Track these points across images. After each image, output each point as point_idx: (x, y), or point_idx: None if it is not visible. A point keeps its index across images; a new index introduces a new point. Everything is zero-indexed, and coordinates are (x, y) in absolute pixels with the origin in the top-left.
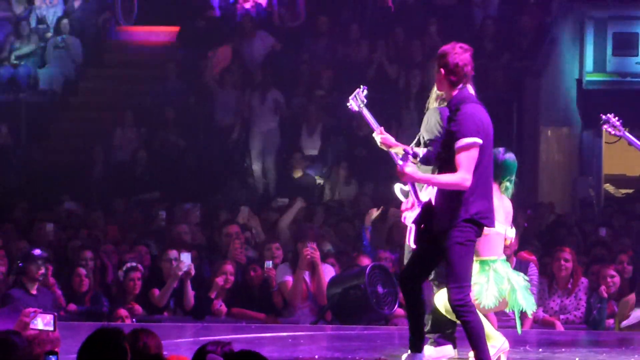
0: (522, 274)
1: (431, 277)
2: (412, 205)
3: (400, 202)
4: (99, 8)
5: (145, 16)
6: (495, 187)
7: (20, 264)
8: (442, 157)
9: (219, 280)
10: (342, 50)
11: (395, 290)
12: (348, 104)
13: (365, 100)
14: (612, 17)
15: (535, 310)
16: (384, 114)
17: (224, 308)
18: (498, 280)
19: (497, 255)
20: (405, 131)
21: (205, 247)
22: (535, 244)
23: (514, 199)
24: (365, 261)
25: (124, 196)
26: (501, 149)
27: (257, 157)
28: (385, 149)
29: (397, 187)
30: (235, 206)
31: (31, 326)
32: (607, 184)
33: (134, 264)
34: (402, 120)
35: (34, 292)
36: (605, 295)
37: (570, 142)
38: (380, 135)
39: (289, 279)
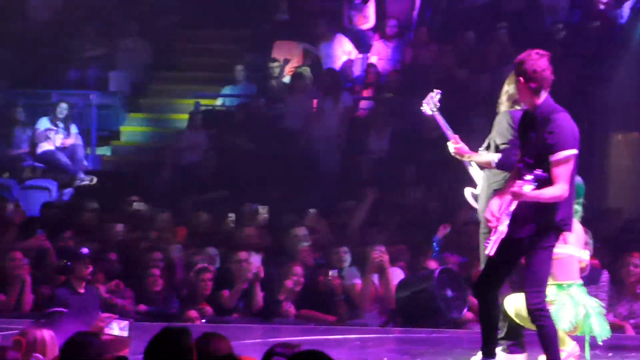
0: (595, 299)
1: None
2: (499, 219)
3: (470, 206)
4: (168, 10)
5: (214, 19)
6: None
7: (68, 263)
8: (532, 167)
9: (289, 282)
10: (411, 53)
11: (463, 294)
12: (421, 108)
13: (438, 105)
14: None
15: (609, 337)
16: (453, 119)
17: (292, 310)
18: (574, 305)
19: (572, 279)
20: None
21: (272, 250)
22: (604, 250)
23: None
24: (434, 265)
25: (192, 197)
26: None
27: (324, 160)
28: (459, 157)
29: (468, 192)
30: (303, 209)
31: (106, 331)
32: None
33: (205, 265)
34: (471, 125)
35: (81, 290)
36: None
37: None
38: (454, 145)
39: (358, 282)
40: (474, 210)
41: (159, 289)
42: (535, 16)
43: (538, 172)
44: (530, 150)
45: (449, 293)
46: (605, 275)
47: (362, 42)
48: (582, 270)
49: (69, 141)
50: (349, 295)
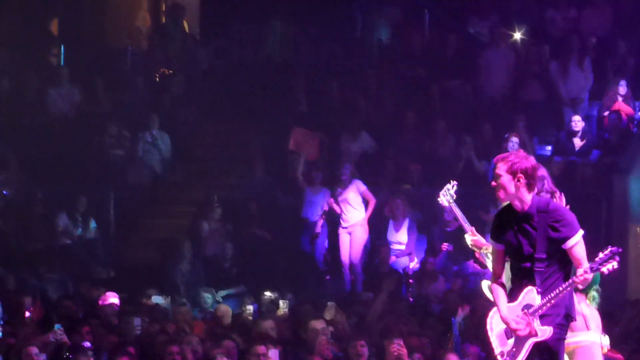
0: None
1: None
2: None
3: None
4: (188, 102)
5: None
6: (582, 297)
7: (70, 356)
8: (546, 261)
9: None
10: (429, 144)
11: None
12: (438, 199)
13: (454, 196)
14: None
15: None
16: (472, 209)
17: None
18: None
19: None
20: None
21: (291, 343)
22: (625, 343)
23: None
24: (453, 358)
25: (212, 289)
26: None
27: (343, 252)
28: (476, 250)
29: (485, 285)
30: (322, 301)
31: None
32: None
33: (224, 358)
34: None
35: None
36: None
37: None
38: (472, 237)
39: None
40: (491, 303)
41: None
42: (553, 107)
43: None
44: (539, 247)
45: None
46: None
47: (379, 133)
48: (603, 355)
49: (88, 235)
50: None
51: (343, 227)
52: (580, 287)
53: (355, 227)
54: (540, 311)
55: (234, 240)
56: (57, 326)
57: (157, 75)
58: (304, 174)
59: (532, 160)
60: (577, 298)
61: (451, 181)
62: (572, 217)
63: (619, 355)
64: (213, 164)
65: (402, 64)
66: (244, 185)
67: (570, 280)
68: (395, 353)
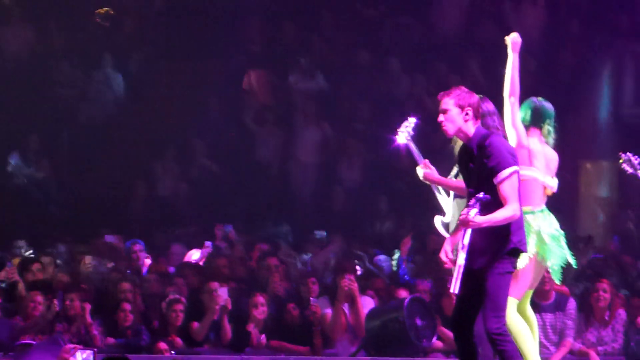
0: (554, 226)
1: None
2: (455, 249)
3: (440, 235)
4: (141, 42)
5: (187, 52)
6: (537, 132)
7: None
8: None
9: (255, 312)
10: (382, 84)
11: (433, 323)
12: (396, 136)
13: (412, 133)
14: None
15: (565, 263)
16: (424, 148)
17: (263, 340)
18: (528, 232)
19: (532, 205)
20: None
21: (244, 280)
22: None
23: None
24: (404, 294)
25: (165, 229)
26: (535, 98)
27: (297, 191)
28: (428, 182)
29: (438, 220)
30: (275, 239)
31: None
32: None
33: (176, 296)
34: (443, 153)
35: None
36: None
37: (610, 175)
38: (423, 169)
39: (328, 311)
40: (444, 238)
41: (129, 324)
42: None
43: (480, 195)
44: (472, 181)
45: (419, 322)
46: (572, 303)
47: (332, 73)
48: (546, 196)
49: (40, 174)
50: (321, 324)
51: (299, 166)
52: (463, 227)
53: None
54: (463, 244)
55: (187, 180)
56: (8, 264)
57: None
58: (257, 115)
59: (475, 96)
60: (531, 132)
61: (409, 118)
62: (505, 153)
63: (565, 288)
64: (166, 104)
65: (357, 2)
66: (197, 126)
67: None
68: (346, 288)
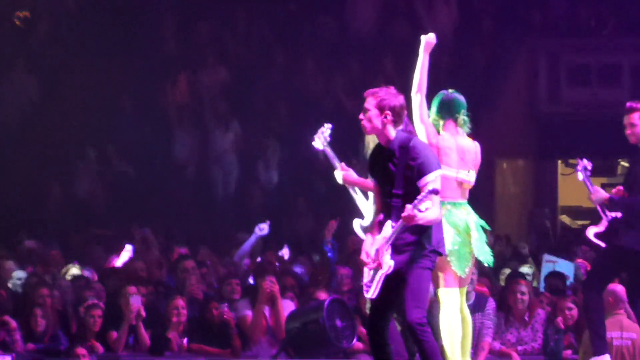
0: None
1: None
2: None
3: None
4: (57, 43)
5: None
6: (452, 124)
7: None
8: (403, 197)
9: (172, 316)
10: (298, 83)
11: (353, 324)
12: (312, 142)
13: (329, 139)
14: (565, 48)
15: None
16: (341, 147)
17: (183, 344)
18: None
19: (450, 198)
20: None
21: (162, 283)
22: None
23: None
24: (323, 296)
25: (82, 231)
26: (445, 91)
27: (215, 191)
28: (347, 185)
29: (357, 224)
30: (193, 240)
31: None
32: (563, 215)
33: (95, 301)
34: (359, 152)
35: None
36: (562, 326)
37: (526, 173)
38: (342, 172)
39: (249, 313)
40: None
41: (41, 329)
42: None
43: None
44: (397, 183)
45: (339, 323)
46: (491, 303)
47: (247, 72)
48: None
49: None
50: (240, 328)
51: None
52: (406, 223)
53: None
54: (388, 244)
55: (104, 181)
56: None
57: (17, 19)
58: (175, 114)
59: (401, 98)
60: (447, 125)
61: (325, 124)
62: (430, 156)
63: (484, 289)
64: (81, 105)
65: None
66: (113, 125)
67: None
68: (268, 290)
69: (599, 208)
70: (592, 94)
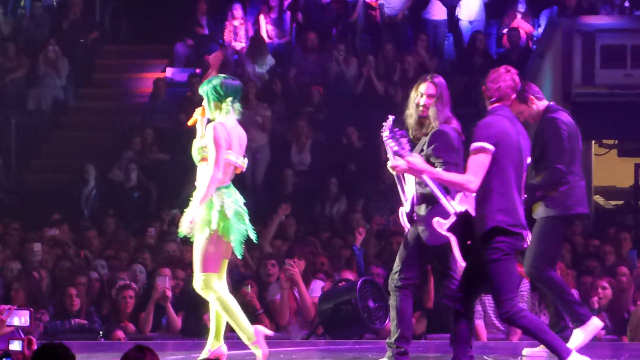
0: (239, 203)
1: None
2: (448, 215)
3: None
4: (87, 28)
5: (135, 35)
6: (232, 110)
7: None
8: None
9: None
10: (331, 66)
11: (386, 305)
12: (382, 133)
13: (392, 130)
14: (600, 29)
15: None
16: (374, 130)
17: None
18: (221, 213)
19: (227, 182)
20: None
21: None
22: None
23: None
24: (348, 275)
25: (116, 214)
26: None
27: (247, 174)
28: (411, 173)
29: (403, 212)
30: None
31: (7, 323)
32: (597, 196)
33: (127, 282)
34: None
35: None
36: (597, 306)
37: None
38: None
39: (278, 297)
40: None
41: (76, 308)
42: (454, 26)
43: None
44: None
45: (372, 304)
46: (525, 284)
47: (280, 56)
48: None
49: None
50: (271, 311)
51: (248, 148)
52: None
53: (261, 149)
54: (448, 205)
55: (138, 165)
56: None
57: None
58: None
59: (504, 75)
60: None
61: (389, 117)
62: (482, 129)
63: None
64: (114, 88)
65: None
66: (145, 109)
67: None
68: (288, 272)
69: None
70: (627, 75)
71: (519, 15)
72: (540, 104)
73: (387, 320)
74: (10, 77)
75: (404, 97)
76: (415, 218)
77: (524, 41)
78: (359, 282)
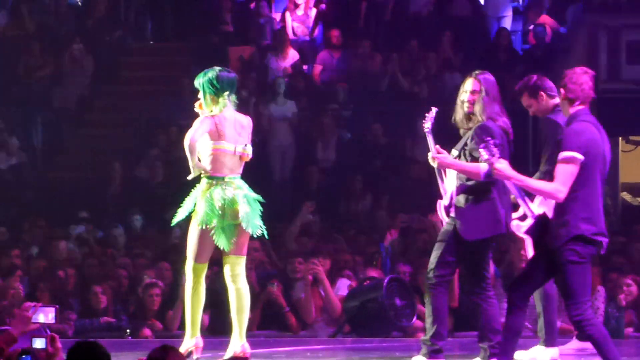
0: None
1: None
2: (524, 216)
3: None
4: (112, 26)
5: (159, 33)
6: (229, 103)
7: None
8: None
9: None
10: (356, 63)
11: (413, 302)
12: (424, 125)
13: (433, 123)
14: (626, 26)
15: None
16: (398, 125)
17: None
18: (208, 203)
19: (221, 173)
20: (421, 142)
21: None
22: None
23: None
24: (373, 273)
25: (142, 212)
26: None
27: (274, 170)
28: (442, 166)
29: (441, 205)
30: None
31: (33, 320)
32: (624, 193)
33: (153, 280)
34: (417, 130)
35: None
36: (624, 303)
37: None
38: (438, 155)
39: (304, 295)
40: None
41: (103, 306)
42: (479, 22)
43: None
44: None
45: (398, 302)
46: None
47: (306, 53)
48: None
49: (13, 158)
50: (296, 307)
51: (275, 145)
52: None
53: (286, 146)
54: (527, 208)
55: (164, 162)
56: None
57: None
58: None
59: (581, 76)
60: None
61: (432, 109)
62: (573, 137)
63: None
64: (138, 85)
65: None
66: (170, 106)
67: None
68: (311, 272)
69: None
70: None
71: (544, 12)
72: (552, 101)
73: (414, 318)
74: (35, 75)
75: (429, 94)
76: (453, 211)
77: (549, 37)
78: (386, 280)
